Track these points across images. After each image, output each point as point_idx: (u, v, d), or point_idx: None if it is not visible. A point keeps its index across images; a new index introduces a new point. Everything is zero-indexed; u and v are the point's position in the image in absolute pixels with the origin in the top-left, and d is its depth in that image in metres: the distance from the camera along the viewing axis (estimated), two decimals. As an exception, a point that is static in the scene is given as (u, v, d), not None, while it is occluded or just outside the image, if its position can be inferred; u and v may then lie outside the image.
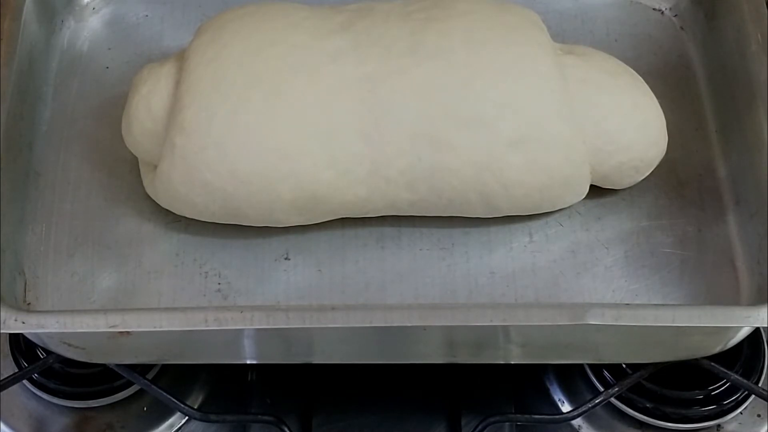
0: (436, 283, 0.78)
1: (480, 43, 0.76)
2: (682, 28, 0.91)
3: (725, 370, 0.78)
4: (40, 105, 0.85)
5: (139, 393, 0.82)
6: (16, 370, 0.80)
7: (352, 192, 0.76)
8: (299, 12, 0.79)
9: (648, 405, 0.81)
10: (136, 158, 0.81)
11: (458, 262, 0.79)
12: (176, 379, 0.82)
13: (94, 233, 0.80)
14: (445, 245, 0.79)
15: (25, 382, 0.81)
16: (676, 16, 0.92)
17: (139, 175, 0.81)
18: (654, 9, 0.92)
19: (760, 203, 0.78)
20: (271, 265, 0.79)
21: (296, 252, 0.79)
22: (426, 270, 0.78)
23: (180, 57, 0.79)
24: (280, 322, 0.70)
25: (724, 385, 0.81)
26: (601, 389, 0.80)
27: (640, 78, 0.81)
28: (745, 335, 0.75)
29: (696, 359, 0.78)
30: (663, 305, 0.76)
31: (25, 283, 0.77)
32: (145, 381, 0.78)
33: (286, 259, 0.79)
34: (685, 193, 0.82)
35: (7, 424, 0.82)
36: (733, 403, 0.81)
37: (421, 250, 0.79)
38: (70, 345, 0.74)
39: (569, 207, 0.81)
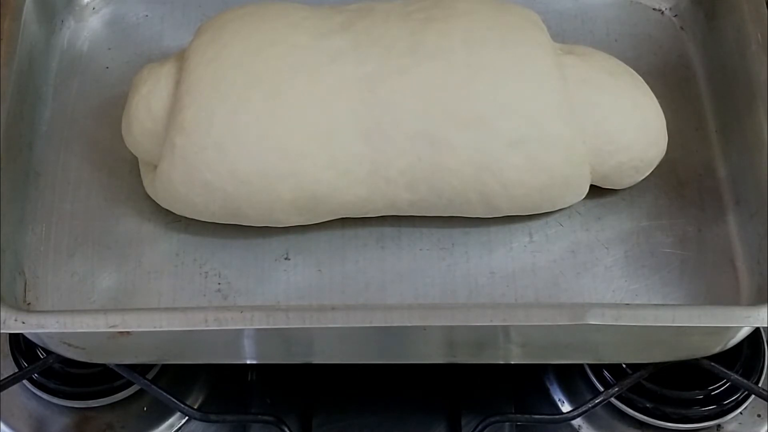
0: (436, 283, 0.78)
1: (480, 43, 0.76)
2: (682, 28, 0.91)
3: (725, 370, 0.78)
4: (40, 105, 0.85)
5: (139, 393, 0.82)
6: (16, 370, 0.80)
7: (352, 192, 0.76)
8: (299, 12, 0.79)
9: (648, 405, 0.81)
10: (136, 158, 0.81)
11: (458, 262, 0.79)
12: (176, 379, 0.82)
13: (94, 233, 0.80)
14: (445, 245, 0.79)
15: (25, 382, 0.81)
16: (676, 16, 0.92)
17: (139, 175, 0.81)
18: (654, 9, 0.92)
19: (760, 203, 0.78)
20: (271, 265, 0.79)
21: (296, 252, 0.79)
22: (426, 270, 0.78)
23: (180, 57, 0.79)
24: (280, 322, 0.70)
25: (724, 385, 0.81)
26: (601, 389, 0.80)
27: (640, 78, 0.81)
28: (745, 335, 0.75)
29: (696, 359, 0.78)
30: (663, 305, 0.76)
31: (25, 283, 0.77)
32: (145, 381, 0.78)
33: (286, 259, 0.79)
34: (685, 193, 0.82)
35: (7, 424, 0.82)
36: (733, 403, 0.81)
37: (421, 250, 0.79)
38: (70, 345, 0.74)
39: (569, 207, 0.81)
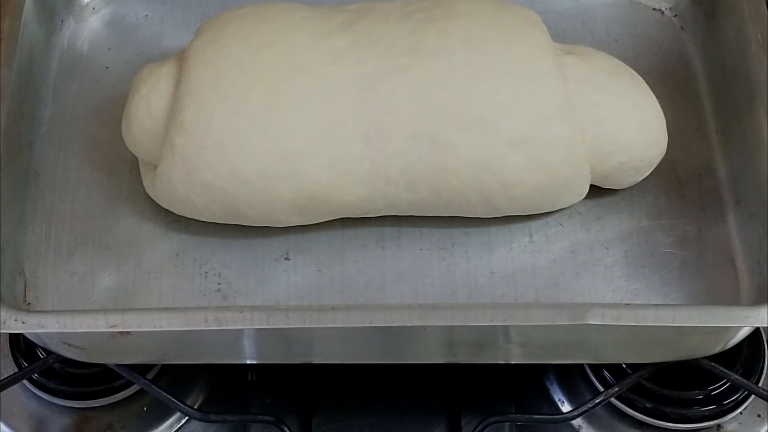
0: (436, 283, 0.78)
1: (480, 43, 0.76)
2: (682, 28, 0.91)
3: (725, 370, 0.78)
4: (40, 105, 0.85)
5: (139, 393, 0.82)
6: (16, 370, 0.80)
7: (352, 192, 0.76)
8: (299, 12, 0.79)
9: (648, 405, 0.81)
10: (136, 158, 0.81)
11: (458, 262, 0.79)
12: (176, 379, 0.82)
13: (94, 233, 0.80)
14: (445, 245, 0.79)
15: (25, 382, 0.81)
16: (676, 16, 0.92)
17: (139, 175, 0.81)
18: (654, 9, 0.92)
19: (760, 203, 0.78)
20: (271, 265, 0.79)
21: (296, 252, 0.79)
22: (426, 270, 0.78)
23: (180, 57, 0.79)
24: (280, 322, 0.70)
25: (724, 385, 0.81)
26: (601, 389, 0.80)
27: (640, 78, 0.81)
28: (745, 335, 0.75)
29: (696, 359, 0.78)
30: (663, 305, 0.76)
31: (25, 283, 0.77)
32: (145, 381, 0.78)
33: (286, 259, 0.79)
34: (685, 193, 0.82)
35: (7, 424, 0.82)
36: (733, 403, 0.81)
37: (421, 250, 0.79)
38: (70, 345, 0.74)
39: (569, 207, 0.81)
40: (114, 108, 0.83)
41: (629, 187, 0.81)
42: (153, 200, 0.80)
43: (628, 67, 0.82)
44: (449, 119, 0.75)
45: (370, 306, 0.75)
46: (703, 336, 0.74)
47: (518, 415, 0.80)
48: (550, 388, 0.84)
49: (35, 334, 0.75)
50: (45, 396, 0.81)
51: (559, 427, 0.83)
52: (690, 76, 0.88)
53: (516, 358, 0.77)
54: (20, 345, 0.82)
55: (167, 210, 0.79)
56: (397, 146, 0.75)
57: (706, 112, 0.86)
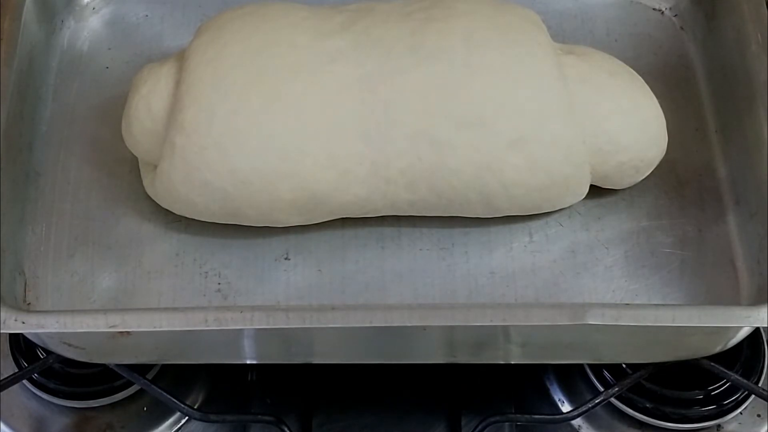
0: (436, 283, 0.78)
1: (480, 43, 0.76)
2: (682, 28, 0.91)
3: (725, 370, 0.78)
4: (40, 105, 0.85)
5: (139, 393, 0.82)
6: (16, 370, 0.80)
7: (352, 192, 0.76)
8: (299, 12, 0.79)
9: (648, 405, 0.81)
10: (136, 158, 0.81)
11: (458, 262, 0.79)
12: (176, 379, 0.82)
13: (94, 233, 0.80)
14: (445, 245, 0.79)
15: (25, 382, 0.81)
16: (676, 16, 0.92)
17: (139, 175, 0.81)
18: (654, 9, 0.92)
19: (760, 203, 0.78)
20: (271, 265, 0.79)
21: (296, 252, 0.79)
22: (426, 270, 0.78)
23: (180, 57, 0.79)
24: (280, 322, 0.70)
25: (724, 385, 0.81)
26: (601, 389, 0.80)
27: (640, 78, 0.81)
28: (745, 335, 0.75)
29: (696, 359, 0.78)
30: (663, 305, 0.76)
31: (25, 283, 0.77)
32: (145, 381, 0.78)
33: (286, 259, 0.79)
34: (685, 193, 0.82)
35: (7, 424, 0.82)
36: (733, 403, 0.81)
37: (421, 250, 0.79)
38: (70, 345, 0.74)
39: (569, 207, 0.81)
40: (114, 108, 0.83)
41: (629, 187, 0.81)
42: (153, 200, 0.80)
43: (628, 67, 0.82)
44: (449, 119, 0.75)
45: (370, 306, 0.75)
46: (703, 336, 0.74)
47: (518, 415, 0.80)
48: (550, 388, 0.84)
49: (35, 334, 0.75)
50: (45, 396, 0.81)
51: (559, 427, 0.83)
52: (690, 76, 0.88)
53: (516, 358, 0.77)
54: (20, 345, 0.82)
55: (167, 210, 0.79)
56: (397, 146, 0.75)
57: (706, 112, 0.86)
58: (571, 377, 0.84)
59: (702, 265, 0.79)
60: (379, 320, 0.70)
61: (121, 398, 0.82)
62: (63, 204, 0.81)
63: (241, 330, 0.72)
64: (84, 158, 0.83)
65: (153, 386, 0.78)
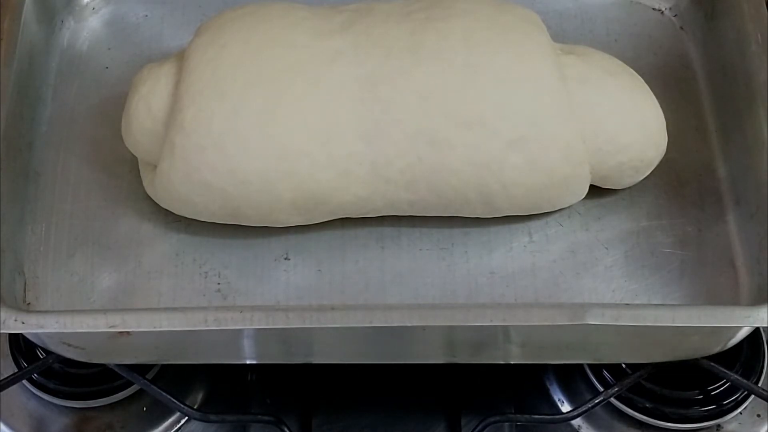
0: (436, 283, 0.78)
1: (480, 43, 0.76)
2: (682, 28, 0.91)
3: (725, 370, 0.78)
4: (40, 105, 0.85)
5: (139, 393, 0.82)
6: (16, 370, 0.80)
7: (352, 192, 0.76)
8: (299, 12, 0.79)
9: (648, 405, 0.81)
10: (136, 158, 0.81)
11: (458, 262, 0.79)
12: (176, 379, 0.82)
13: (94, 233, 0.80)
14: (445, 245, 0.79)
15: (25, 382, 0.81)
16: (676, 16, 0.92)
17: (139, 175, 0.81)
18: (654, 9, 0.92)
19: (760, 203, 0.78)
20: (271, 265, 0.79)
21: (296, 252, 0.79)
22: (426, 270, 0.78)
23: (180, 57, 0.79)
24: (279, 322, 0.70)
25: (724, 385, 0.81)
26: (601, 389, 0.80)
27: (640, 78, 0.81)
28: (745, 335, 0.75)
29: (696, 359, 0.78)
30: (663, 305, 0.76)
31: (25, 283, 0.77)
32: (145, 381, 0.78)
33: (286, 259, 0.79)
34: (685, 193, 0.82)
35: (7, 424, 0.82)
36: (732, 403, 0.81)
37: (421, 250, 0.79)
38: (70, 345, 0.74)
39: (569, 207, 0.81)
40: (114, 108, 0.83)
41: (629, 187, 0.81)
42: (153, 200, 0.80)
43: (628, 67, 0.82)
44: (449, 119, 0.75)
45: (370, 306, 0.75)
46: (703, 336, 0.74)
47: (518, 415, 0.80)
48: (550, 388, 0.84)
49: (35, 334, 0.75)
50: (45, 396, 0.81)
51: (559, 427, 0.83)
52: (690, 76, 0.88)
53: (516, 358, 0.77)
54: (20, 345, 0.82)
55: (167, 210, 0.79)
56: (396, 146, 0.75)
57: (706, 112, 0.86)
58: (571, 377, 0.84)
59: (702, 265, 0.79)
60: (378, 320, 0.70)
61: (121, 398, 0.82)
62: (63, 204, 0.81)
63: (240, 330, 0.72)
64: (84, 158, 0.83)
65: (153, 386, 0.78)
